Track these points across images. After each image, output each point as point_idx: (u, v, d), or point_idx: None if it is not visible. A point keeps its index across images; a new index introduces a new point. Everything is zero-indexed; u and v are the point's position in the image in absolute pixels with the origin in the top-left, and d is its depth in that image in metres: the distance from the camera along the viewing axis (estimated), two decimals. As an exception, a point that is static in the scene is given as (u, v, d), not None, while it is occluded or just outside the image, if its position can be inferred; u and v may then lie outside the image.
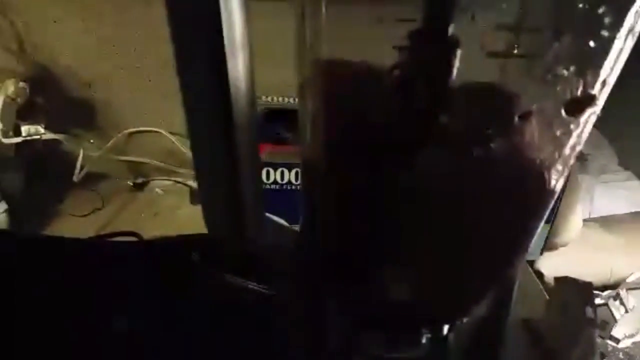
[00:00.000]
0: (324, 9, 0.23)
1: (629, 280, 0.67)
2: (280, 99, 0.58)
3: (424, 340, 0.31)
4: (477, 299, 0.28)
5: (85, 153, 0.76)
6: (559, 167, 0.24)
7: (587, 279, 0.43)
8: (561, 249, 0.68)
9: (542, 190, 0.25)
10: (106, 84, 0.73)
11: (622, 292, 0.66)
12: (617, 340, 0.61)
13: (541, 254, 0.66)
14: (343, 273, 0.29)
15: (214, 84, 0.21)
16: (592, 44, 0.21)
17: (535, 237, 0.28)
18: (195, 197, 0.75)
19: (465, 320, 0.30)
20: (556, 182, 0.25)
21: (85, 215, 0.73)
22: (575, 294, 0.43)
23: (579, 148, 0.24)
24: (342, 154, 0.25)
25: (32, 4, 0.68)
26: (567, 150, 0.24)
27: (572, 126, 0.23)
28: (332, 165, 0.26)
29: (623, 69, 0.22)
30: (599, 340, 0.59)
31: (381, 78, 0.24)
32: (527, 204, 0.25)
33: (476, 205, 0.24)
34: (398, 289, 0.28)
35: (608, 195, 0.80)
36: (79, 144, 0.76)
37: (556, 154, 0.24)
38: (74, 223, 0.71)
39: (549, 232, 0.63)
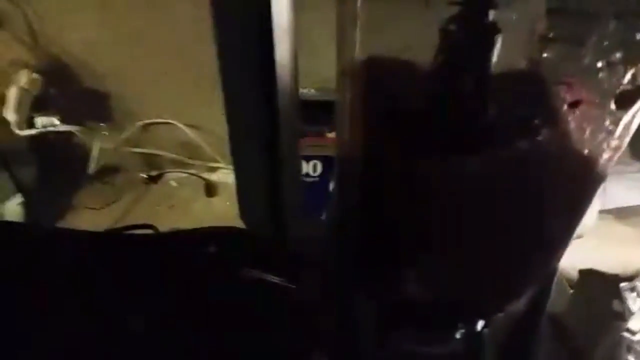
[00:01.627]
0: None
1: (645, 272, 0.66)
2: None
3: (457, 336, 0.30)
4: (518, 294, 0.28)
5: (100, 145, 0.75)
6: (605, 158, 0.24)
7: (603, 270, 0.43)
8: (576, 241, 0.67)
9: (588, 181, 0.24)
10: (121, 75, 0.72)
11: (639, 284, 0.65)
12: (634, 333, 0.60)
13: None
14: (379, 265, 0.29)
15: (259, 71, 0.20)
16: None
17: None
18: (210, 190, 0.75)
19: (500, 315, 0.30)
20: (602, 173, 0.24)
21: (100, 208, 0.73)
22: (601, 288, 0.43)
23: (627, 139, 0.23)
24: (382, 147, 0.25)
25: (46, -5, 0.67)
26: (614, 142, 0.23)
27: (621, 117, 0.22)
28: (372, 156, 0.25)
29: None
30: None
31: (422, 71, 0.24)
32: (573, 195, 0.25)
33: (521, 197, 0.24)
34: (437, 282, 0.27)
35: (621, 186, 0.79)
36: (94, 137, 0.75)
37: (604, 145, 0.23)
38: (89, 216, 0.71)
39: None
